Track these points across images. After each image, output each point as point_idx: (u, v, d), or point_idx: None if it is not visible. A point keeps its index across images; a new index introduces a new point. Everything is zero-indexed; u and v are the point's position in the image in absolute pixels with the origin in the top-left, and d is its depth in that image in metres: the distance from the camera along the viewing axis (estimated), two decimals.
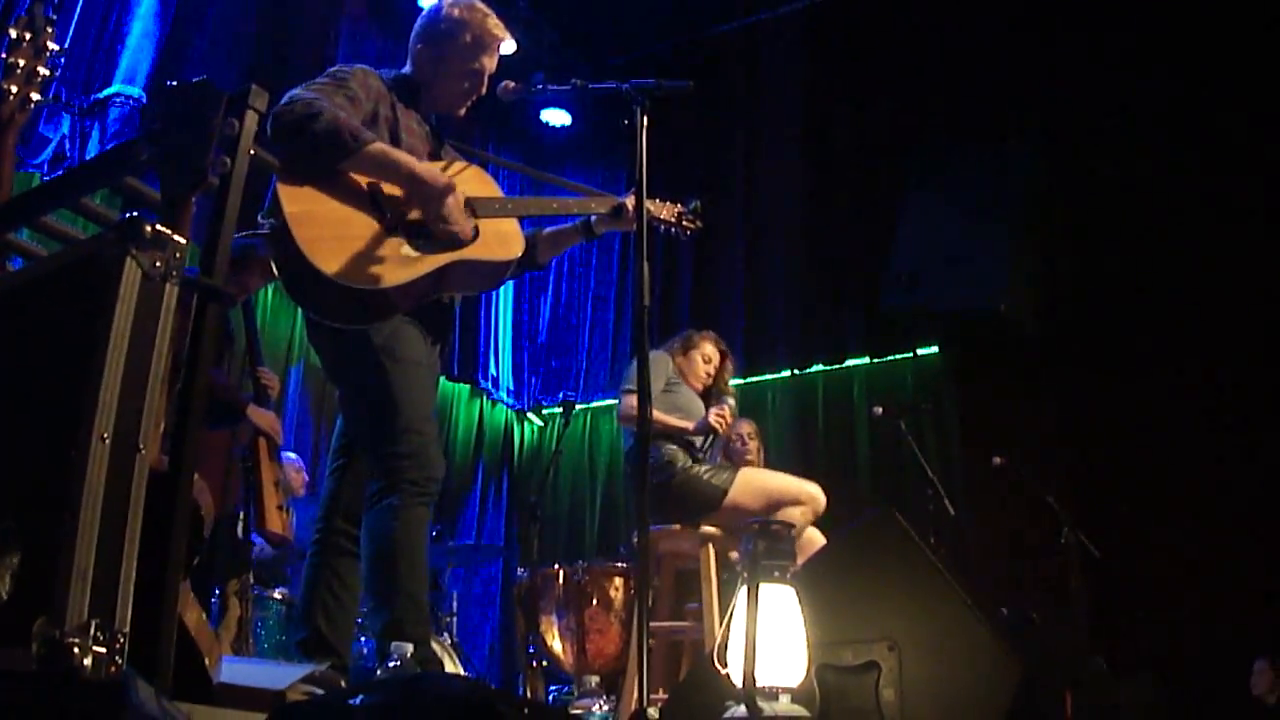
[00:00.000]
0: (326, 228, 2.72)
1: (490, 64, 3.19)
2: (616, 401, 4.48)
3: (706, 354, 4.56)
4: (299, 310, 3.34)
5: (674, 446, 4.19)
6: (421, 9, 3.49)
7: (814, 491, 4.13)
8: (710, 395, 4.49)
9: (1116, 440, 6.06)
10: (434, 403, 2.99)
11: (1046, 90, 6.46)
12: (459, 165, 3.16)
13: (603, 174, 7.96)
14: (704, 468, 4.16)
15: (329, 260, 2.67)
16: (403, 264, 2.80)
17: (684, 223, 3.46)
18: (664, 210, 3.44)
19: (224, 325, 3.83)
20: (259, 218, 2.85)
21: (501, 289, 7.83)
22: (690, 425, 4.25)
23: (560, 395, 7.48)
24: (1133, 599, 5.52)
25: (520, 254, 3.08)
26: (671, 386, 4.37)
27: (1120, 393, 6.12)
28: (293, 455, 5.42)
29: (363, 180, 2.84)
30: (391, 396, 2.83)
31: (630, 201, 3.17)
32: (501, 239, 3.07)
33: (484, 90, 3.22)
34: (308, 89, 2.81)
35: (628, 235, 3.57)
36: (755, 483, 4.15)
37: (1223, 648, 5.32)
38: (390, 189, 2.86)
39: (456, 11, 3.15)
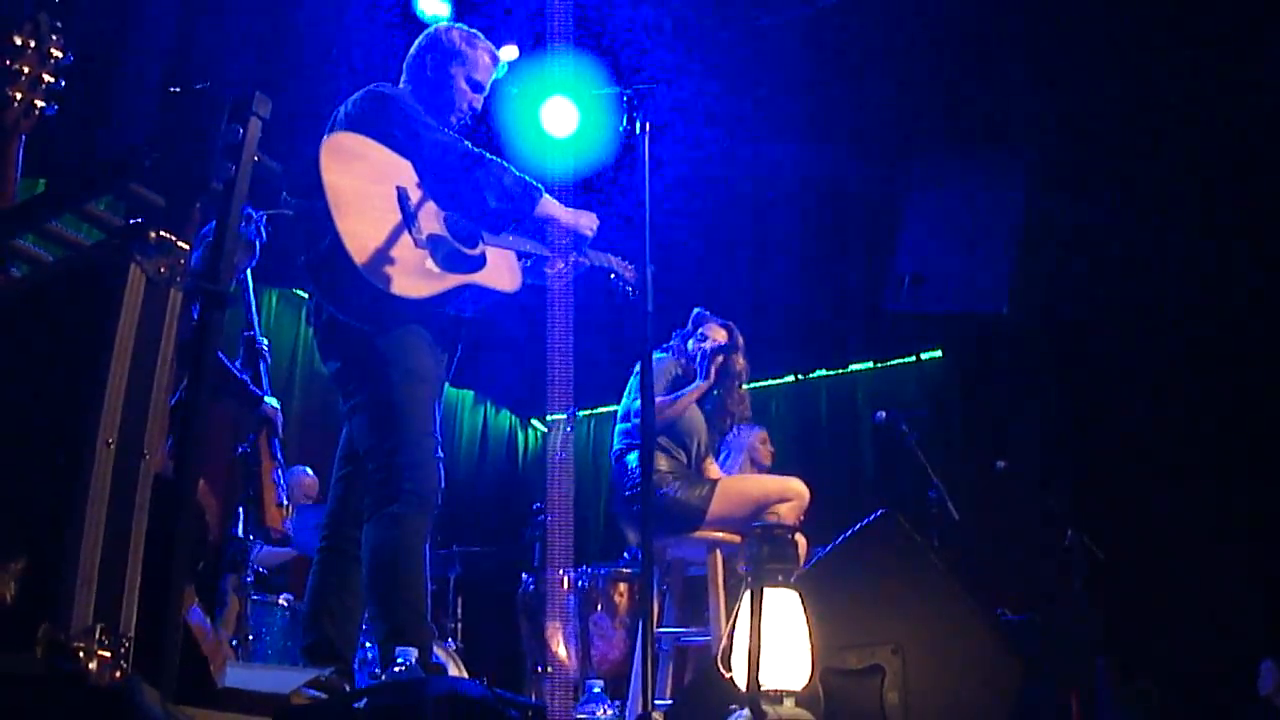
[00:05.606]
0: (366, 225, 2.79)
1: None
2: (620, 410, 4.46)
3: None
4: (302, 317, 3.36)
5: (663, 466, 4.11)
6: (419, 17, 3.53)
7: (799, 487, 4.05)
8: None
9: (1120, 443, 6.05)
10: (438, 415, 3.01)
11: (1049, 93, 6.46)
12: None
13: None
14: (681, 485, 4.04)
15: (365, 257, 2.73)
16: (426, 277, 2.87)
17: (628, 275, 3.58)
18: (627, 270, 3.58)
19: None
20: (283, 194, 2.88)
21: None
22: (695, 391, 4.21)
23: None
24: (1137, 601, 5.51)
25: (518, 289, 3.13)
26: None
27: (1123, 396, 6.11)
28: (309, 470, 5.43)
29: (392, 186, 2.88)
30: (396, 408, 2.86)
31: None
32: (505, 271, 3.11)
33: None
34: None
35: (630, 242, 3.59)
36: (736, 490, 4.08)
37: (1228, 649, 5.30)
38: (415, 195, 2.90)
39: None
